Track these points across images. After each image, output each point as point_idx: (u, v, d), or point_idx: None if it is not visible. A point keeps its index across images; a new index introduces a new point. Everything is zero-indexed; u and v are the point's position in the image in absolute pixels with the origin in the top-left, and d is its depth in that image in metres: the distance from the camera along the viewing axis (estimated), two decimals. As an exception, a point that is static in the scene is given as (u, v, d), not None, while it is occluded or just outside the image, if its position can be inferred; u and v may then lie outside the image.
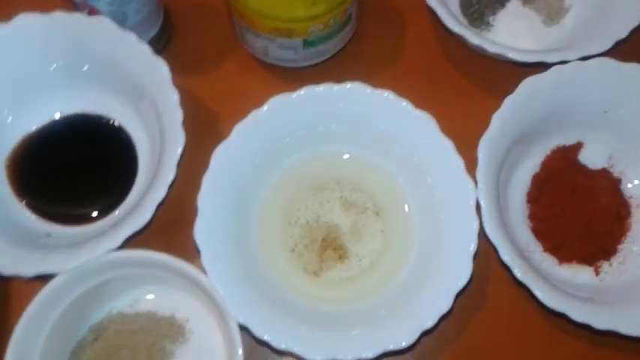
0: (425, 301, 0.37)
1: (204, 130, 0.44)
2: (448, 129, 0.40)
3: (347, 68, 0.47)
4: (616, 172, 0.44)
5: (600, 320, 0.36)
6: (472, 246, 0.37)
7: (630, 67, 0.41)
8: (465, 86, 0.47)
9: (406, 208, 0.43)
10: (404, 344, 0.35)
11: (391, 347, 0.35)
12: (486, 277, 0.43)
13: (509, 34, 0.48)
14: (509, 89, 0.40)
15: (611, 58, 0.41)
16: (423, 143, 0.41)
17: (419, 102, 0.41)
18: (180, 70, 0.47)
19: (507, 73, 0.43)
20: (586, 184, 0.44)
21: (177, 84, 0.40)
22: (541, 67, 0.41)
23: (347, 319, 0.40)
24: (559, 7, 0.48)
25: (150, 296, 0.42)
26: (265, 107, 0.40)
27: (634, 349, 0.40)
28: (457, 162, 0.39)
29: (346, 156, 0.44)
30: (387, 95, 0.40)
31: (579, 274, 0.42)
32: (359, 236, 0.43)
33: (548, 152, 0.45)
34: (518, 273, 0.37)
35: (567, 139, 0.45)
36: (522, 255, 0.39)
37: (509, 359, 0.41)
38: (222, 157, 0.39)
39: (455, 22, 0.42)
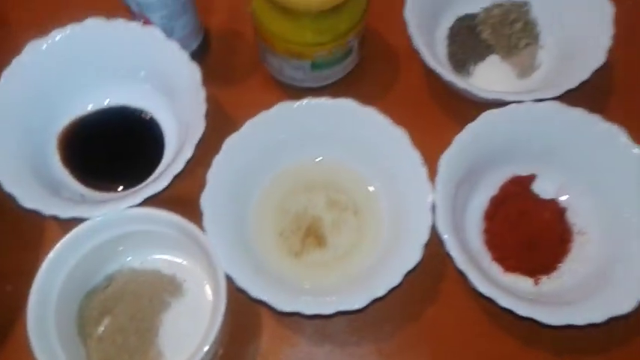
0: (380, 278, 0.45)
1: (222, 127, 0.53)
2: (420, 146, 0.49)
3: (347, 93, 0.56)
4: (563, 203, 0.52)
5: (523, 309, 0.43)
6: (424, 236, 0.45)
7: (575, 112, 0.49)
8: (439, 115, 0.56)
9: (379, 209, 0.51)
10: (357, 306, 0.43)
11: (344, 308, 0.43)
12: (442, 277, 0.50)
13: (485, 83, 0.57)
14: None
15: (560, 103, 0.49)
16: (397, 155, 0.49)
17: (400, 122, 0.50)
18: (211, 82, 0.57)
19: (476, 109, 0.51)
20: (536, 210, 0.52)
21: (206, 91, 0.50)
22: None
23: (316, 291, 0.48)
24: (531, 64, 0.57)
25: (158, 257, 0.51)
26: (273, 109, 0.49)
27: (557, 338, 0.47)
28: (422, 171, 0.48)
29: (335, 162, 0.53)
30: (371, 112, 0.50)
31: (520, 282, 0.50)
32: (338, 230, 0.52)
33: (506, 179, 0.53)
34: (460, 263, 0.44)
35: (524, 170, 0.53)
36: (468, 253, 0.47)
37: (451, 347, 0.49)
38: (232, 144, 0.48)
39: (435, 63, 0.52)
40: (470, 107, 0.52)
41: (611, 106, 0.57)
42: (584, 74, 0.51)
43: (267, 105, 0.51)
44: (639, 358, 0.48)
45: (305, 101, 0.50)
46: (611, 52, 0.52)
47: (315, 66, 0.52)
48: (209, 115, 0.48)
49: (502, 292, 0.44)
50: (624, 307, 0.43)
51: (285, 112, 0.50)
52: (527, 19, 0.58)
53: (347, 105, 0.50)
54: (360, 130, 0.50)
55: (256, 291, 0.44)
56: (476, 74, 0.58)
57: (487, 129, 0.49)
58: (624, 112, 0.55)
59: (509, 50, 0.58)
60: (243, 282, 0.44)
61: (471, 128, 0.48)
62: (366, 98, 0.55)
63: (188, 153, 0.47)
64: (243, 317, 0.49)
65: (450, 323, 0.49)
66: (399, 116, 0.50)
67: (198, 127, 0.48)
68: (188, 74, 0.51)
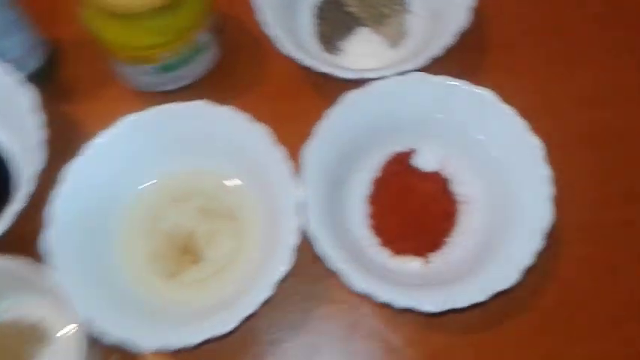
0: (249, 292, 0.42)
1: (75, 149, 0.49)
2: (292, 139, 0.45)
3: (211, 91, 0.52)
4: (446, 174, 0.50)
5: (401, 299, 0.41)
6: (293, 239, 0.42)
7: (439, 79, 0.46)
8: (313, 103, 0.52)
9: (255, 213, 0.48)
10: (228, 329, 0.40)
11: (214, 333, 0.40)
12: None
13: (356, 58, 0.54)
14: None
15: (423, 73, 0.47)
16: (261, 153, 0.46)
17: (269, 116, 0.46)
18: (65, 99, 0.53)
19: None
20: (418, 186, 0.49)
21: (60, 110, 0.45)
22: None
23: (195, 314, 0.44)
24: (401, 32, 0.54)
25: (14, 305, 0.46)
26: (116, 126, 0.45)
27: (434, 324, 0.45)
28: (285, 168, 0.44)
29: (201, 167, 0.49)
30: (227, 111, 0.46)
31: (410, 264, 0.47)
32: (214, 241, 0.48)
33: (386, 158, 0.50)
34: (333, 263, 0.41)
35: (402, 147, 0.50)
36: (348, 248, 0.44)
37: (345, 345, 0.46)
38: (75, 171, 0.44)
39: (291, 46, 0.48)
40: (344, 90, 0.48)
41: (485, 67, 0.54)
42: (448, 39, 0.48)
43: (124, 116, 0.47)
44: (529, 330, 0.46)
45: (152, 110, 0.46)
46: (481, 11, 0.49)
47: (164, 68, 0.48)
48: (63, 136, 0.45)
49: (380, 285, 0.41)
50: (506, 281, 0.41)
51: (131, 125, 0.46)
52: (391, -15, 0.55)
53: (200, 107, 0.46)
54: (220, 132, 0.47)
55: (116, 333, 0.40)
56: (347, 51, 0.55)
57: (350, 111, 0.46)
58: (497, 73, 0.53)
59: (377, 20, 0.55)
60: (102, 325, 0.40)
61: (332, 114, 0.45)
62: (231, 94, 0.51)
63: (28, 187, 0.43)
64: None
65: (342, 323, 0.47)
66: (267, 110, 0.47)
67: (37, 158, 0.44)
68: (23, 98, 0.46)
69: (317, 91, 0.53)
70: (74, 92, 0.54)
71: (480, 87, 0.46)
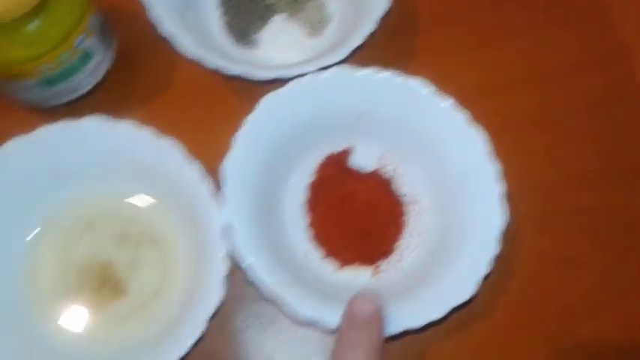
0: (178, 331, 0.36)
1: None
2: (209, 150, 0.39)
3: (113, 102, 0.45)
4: (388, 172, 0.45)
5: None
6: (221, 269, 0.36)
7: (365, 72, 0.41)
8: (233, 106, 0.46)
9: (177, 236, 0.42)
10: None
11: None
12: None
13: (274, 50, 0.48)
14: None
15: (347, 65, 0.41)
16: (173, 170, 0.39)
17: (181, 126, 0.40)
18: None
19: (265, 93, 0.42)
20: (358, 188, 0.44)
21: None
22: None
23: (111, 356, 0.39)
24: (320, 18, 0.49)
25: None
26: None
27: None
28: (205, 186, 0.38)
29: (110, 191, 0.43)
30: (126, 127, 0.39)
31: (359, 276, 0.42)
32: (137, 269, 0.42)
33: (321, 161, 0.45)
34: (264, 293, 0.36)
35: (336, 147, 0.45)
36: (289, 269, 0.39)
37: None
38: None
39: (194, 45, 0.42)
40: (262, 90, 0.42)
41: (415, 53, 0.49)
42: (371, 25, 0.43)
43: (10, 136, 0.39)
44: (489, 333, 0.42)
45: (39, 131, 0.39)
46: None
47: (47, 82, 0.41)
48: None
49: (324, 311, 0.36)
50: (463, 295, 0.36)
51: (18, 149, 0.39)
52: (302, -34, 0.49)
53: (94, 125, 0.39)
54: (123, 151, 0.40)
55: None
56: (262, 43, 0.49)
57: (271, 115, 0.40)
58: (430, 57, 0.48)
59: (292, 6, 0.49)
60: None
61: (250, 121, 0.39)
62: (131, 104, 0.45)
63: None
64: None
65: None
66: (175, 120, 0.41)
67: None
68: None
69: (231, 94, 0.47)
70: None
71: (412, 77, 0.41)
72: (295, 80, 0.40)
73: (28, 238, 0.41)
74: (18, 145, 0.39)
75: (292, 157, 0.43)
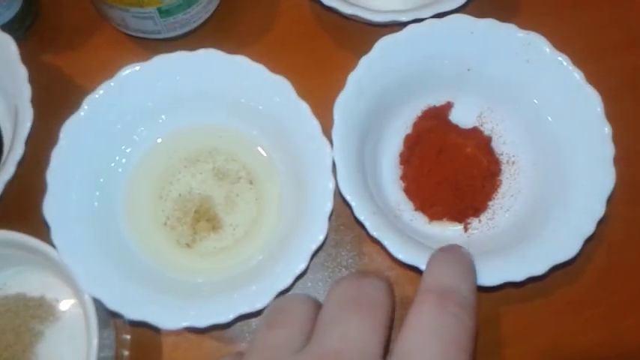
0: (283, 264, 0.37)
1: (71, 100, 0.42)
2: (313, 92, 0.40)
3: (216, 39, 0.46)
4: (487, 131, 0.45)
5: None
6: (328, 206, 0.37)
7: (485, 22, 0.41)
8: (335, 51, 0.46)
9: (276, 175, 0.43)
10: (258, 306, 0.35)
11: (244, 311, 0.35)
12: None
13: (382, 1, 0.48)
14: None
15: (465, 15, 0.41)
16: (281, 108, 0.40)
17: (284, 67, 0.41)
18: (49, 48, 0.46)
19: (377, 37, 0.42)
20: (456, 143, 0.44)
21: (44, 61, 0.40)
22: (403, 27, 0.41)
23: (217, 287, 0.39)
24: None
25: (17, 277, 0.41)
26: (115, 79, 0.39)
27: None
28: (314, 125, 0.39)
29: (215, 126, 0.44)
30: (241, 60, 0.40)
31: (448, 230, 0.43)
32: (232, 206, 0.43)
33: (420, 113, 0.45)
34: (372, 230, 0.37)
35: (437, 100, 0.45)
36: (384, 213, 0.39)
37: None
38: (72, 130, 0.38)
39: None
40: (370, 36, 0.42)
41: (521, 10, 0.48)
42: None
43: (119, 66, 0.40)
44: (575, 299, 0.42)
45: (155, 60, 0.40)
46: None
47: (163, 12, 0.42)
48: (53, 89, 0.41)
49: (424, 255, 0.37)
50: (567, 252, 0.36)
51: (132, 77, 0.39)
52: None
53: (210, 56, 0.40)
54: (233, 84, 0.41)
55: (134, 312, 0.35)
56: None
57: (385, 59, 0.40)
58: (537, 17, 0.47)
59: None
60: (116, 304, 0.35)
61: (365, 62, 0.39)
62: (239, 42, 0.45)
63: (17, 154, 0.37)
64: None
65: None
66: (282, 60, 0.41)
67: (25, 117, 0.38)
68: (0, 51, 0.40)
69: (337, 36, 0.47)
70: (59, 41, 0.47)
71: (529, 31, 0.41)
72: (413, 25, 0.40)
73: (132, 166, 0.43)
74: (134, 73, 0.40)
75: (394, 106, 0.43)
